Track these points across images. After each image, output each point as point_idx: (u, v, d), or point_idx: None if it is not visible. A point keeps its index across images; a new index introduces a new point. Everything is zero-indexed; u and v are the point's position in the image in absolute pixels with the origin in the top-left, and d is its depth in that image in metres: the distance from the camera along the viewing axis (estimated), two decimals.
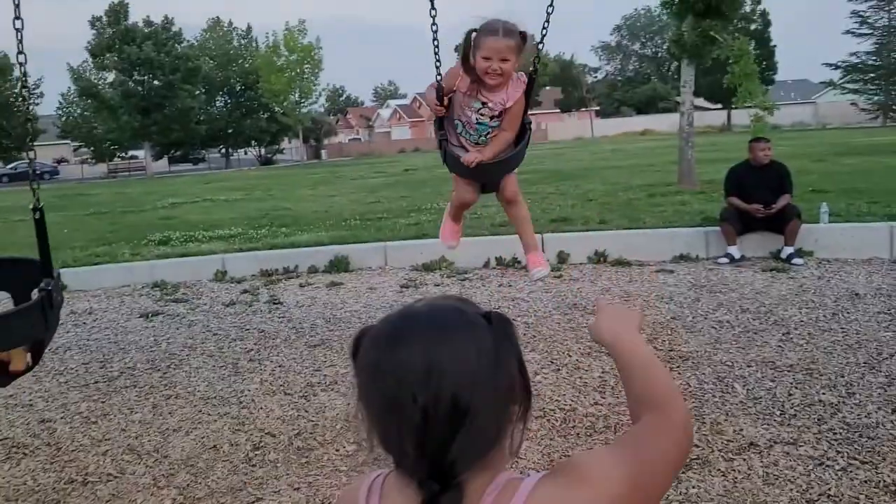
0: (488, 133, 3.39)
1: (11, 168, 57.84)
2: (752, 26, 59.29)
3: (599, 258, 7.86)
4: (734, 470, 3.21)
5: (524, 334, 5.31)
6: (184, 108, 46.60)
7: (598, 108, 75.49)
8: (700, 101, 61.22)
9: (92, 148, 54.74)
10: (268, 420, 3.96)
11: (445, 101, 3.40)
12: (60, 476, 3.44)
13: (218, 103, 57.45)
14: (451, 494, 0.94)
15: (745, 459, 3.30)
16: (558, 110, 70.71)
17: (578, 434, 3.65)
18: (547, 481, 0.98)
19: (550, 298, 6.38)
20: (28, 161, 2.82)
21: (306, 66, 48.99)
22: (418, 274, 7.64)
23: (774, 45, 58.50)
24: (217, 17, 60.46)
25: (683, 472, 3.18)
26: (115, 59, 45.68)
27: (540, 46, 3.43)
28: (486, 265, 7.98)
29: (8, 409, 4.34)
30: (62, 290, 2.77)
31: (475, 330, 0.99)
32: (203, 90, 51.38)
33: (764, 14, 58.82)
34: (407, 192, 15.37)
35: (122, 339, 5.77)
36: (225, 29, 58.77)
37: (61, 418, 4.14)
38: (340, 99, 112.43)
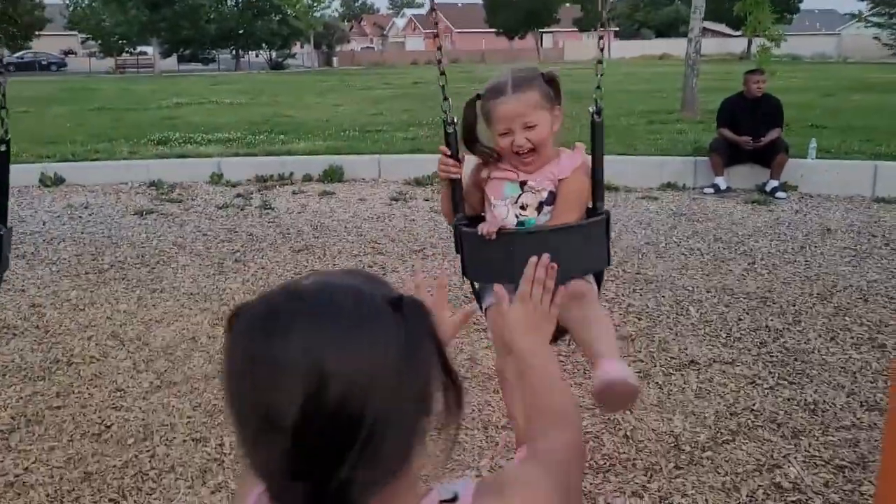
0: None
1: (18, 57, 57.22)
2: None
3: None
4: (670, 384, 3.46)
5: None
6: (194, 5, 45.73)
7: (617, 28, 73.68)
8: (722, 27, 59.78)
9: (100, 41, 53.96)
10: None
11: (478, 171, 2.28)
12: (47, 356, 3.71)
13: (229, 2, 56.22)
14: None
15: (682, 375, 3.54)
16: (576, 29, 69.05)
17: None
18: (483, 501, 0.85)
19: None
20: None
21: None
22: (409, 188, 7.79)
23: None
24: None
25: None
26: None
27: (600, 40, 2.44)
28: None
29: (2, 293, 4.60)
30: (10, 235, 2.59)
31: (378, 319, 0.77)
32: None
33: None
34: (410, 106, 15.33)
35: (115, 234, 5.99)
36: None
37: (51, 304, 4.40)
38: (356, 4, 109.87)
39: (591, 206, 2.27)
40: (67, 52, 63.68)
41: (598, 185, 2.24)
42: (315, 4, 49.90)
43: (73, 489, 2.72)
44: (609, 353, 2.01)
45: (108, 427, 3.12)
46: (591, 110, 2.28)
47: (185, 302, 4.43)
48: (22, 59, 56.83)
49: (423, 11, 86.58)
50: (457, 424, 0.84)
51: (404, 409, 0.76)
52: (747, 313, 4.30)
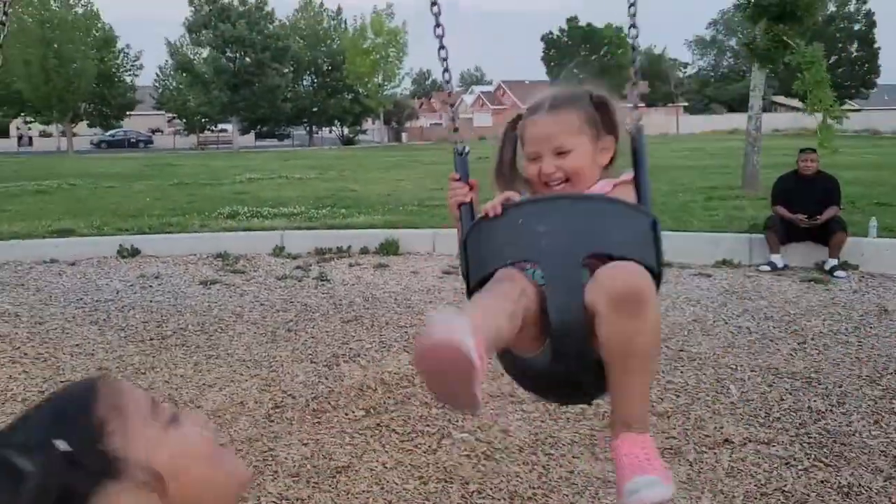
0: None
1: (110, 135, 60.92)
2: (856, 27, 57.00)
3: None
4: (702, 461, 3.45)
5: None
6: (271, 86, 48.14)
7: (686, 104, 73.86)
8: (796, 102, 59.39)
9: (184, 120, 57.07)
10: (291, 383, 4.40)
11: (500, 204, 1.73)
12: None
13: (305, 82, 58.91)
14: None
15: (715, 453, 3.53)
16: (643, 105, 69.46)
17: (568, 419, 3.93)
18: None
19: None
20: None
21: (391, 49, 49.72)
22: None
23: (878, 47, 56.02)
24: None
25: None
26: (210, 35, 47.48)
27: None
28: None
29: (73, 356, 4.93)
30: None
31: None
32: (291, 69, 52.80)
33: (869, 14, 56.38)
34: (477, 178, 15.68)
35: (181, 302, 6.33)
36: (316, 10, 60.11)
37: (116, 368, 4.69)
38: (426, 82, 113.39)
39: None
40: (155, 131, 67.44)
41: (644, 196, 1.82)
42: (385, 84, 51.70)
43: None
44: (639, 424, 1.55)
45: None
46: (628, 129, 1.88)
47: (237, 368, 4.66)
48: (114, 136, 60.51)
49: (490, 88, 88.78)
50: None
51: None
52: (790, 393, 4.26)
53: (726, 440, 3.66)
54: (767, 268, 7.50)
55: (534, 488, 3.26)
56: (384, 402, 4.13)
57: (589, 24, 61.02)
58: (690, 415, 3.97)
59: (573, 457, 3.53)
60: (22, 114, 51.16)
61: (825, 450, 3.53)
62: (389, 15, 50.41)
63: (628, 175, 1.85)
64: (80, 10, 47.08)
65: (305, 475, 3.36)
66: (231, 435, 3.75)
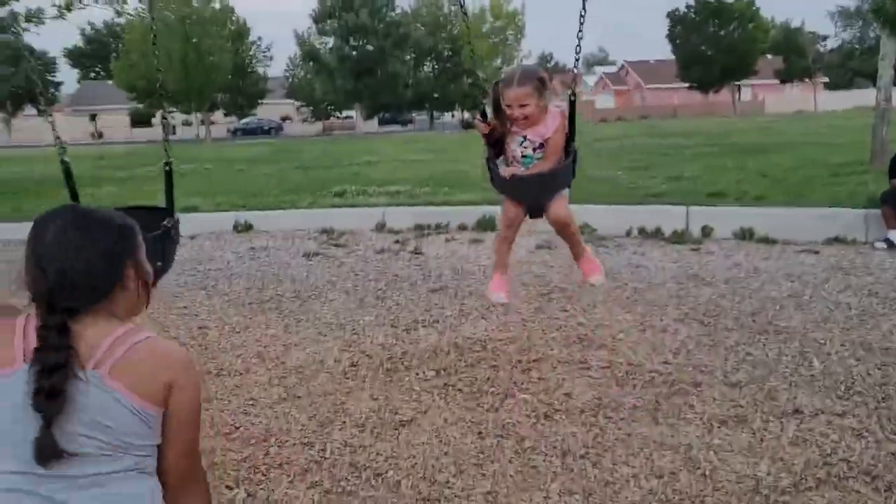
0: (533, 165, 3.60)
1: (244, 123, 64.20)
2: None
3: (745, 235, 7.75)
4: (766, 430, 3.38)
5: (628, 298, 5.56)
6: (393, 73, 49.16)
7: (825, 79, 69.31)
8: None
9: (311, 107, 59.36)
10: (370, 345, 4.62)
11: (494, 123, 3.62)
12: (203, 368, 4.31)
13: (425, 69, 59.77)
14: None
15: (781, 423, 3.45)
16: (777, 81, 65.84)
17: (634, 385, 3.94)
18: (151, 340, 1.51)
19: (674, 269, 6.50)
20: (163, 124, 3.44)
21: (510, 32, 49.57)
22: (558, 237, 7.96)
23: None
24: None
25: (717, 426, 3.42)
26: (335, 25, 49.00)
27: (574, 70, 3.59)
28: (628, 234, 8.13)
29: (179, 317, 5.38)
30: (178, 230, 3.48)
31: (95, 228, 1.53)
32: (412, 55, 53.73)
33: None
34: (582, 159, 15.52)
35: (282, 272, 6.72)
36: None
37: (215, 327, 5.08)
38: (549, 65, 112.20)
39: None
40: (285, 118, 70.47)
41: (571, 134, 3.60)
42: (504, 67, 51.61)
43: None
44: (578, 254, 3.98)
45: (237, 428, 3.60)
46: (568, 94, 3.58)
47: (322, 330, 4.94)
48: (247, 125, 63.77)
49: (613, 69, 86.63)
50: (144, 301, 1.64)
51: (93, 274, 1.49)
52: (879, 368, 4.06)
53: (797, 410, 3.56)
54: (883, 244, 7.07)
55: (587, 447, 3.31)
56: (455, 364, 4.27)
57: None
58: (764, 386, 3.87)
59: (633, 420, 3.55)
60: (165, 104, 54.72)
61: None
62: None
63: (560, 116, 3.53)
64: (216, 6, 49.72)
65: (370, 426, 3.56)
66: (308, 388, 4.01)
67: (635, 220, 8.22)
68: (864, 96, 56.21)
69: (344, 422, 3.61)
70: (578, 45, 3.64)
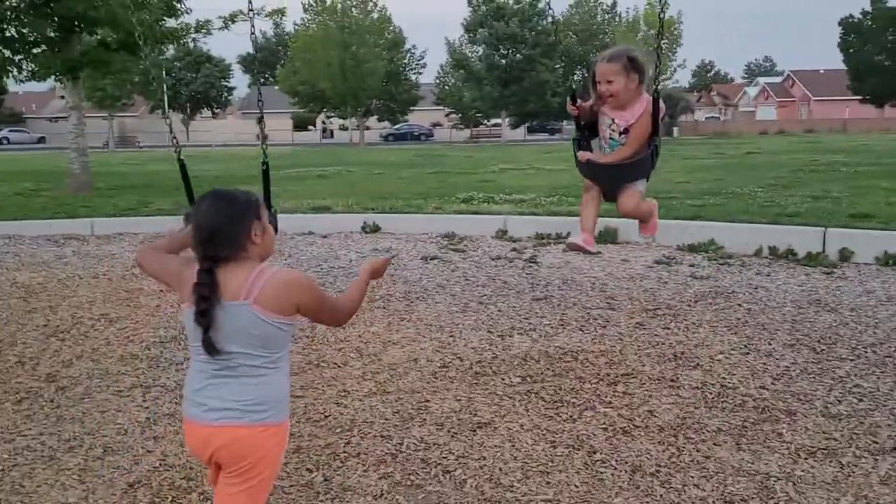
0: (612, 152, 3.51)
1: (396, 129, 66.31)
2: None
3: (888, 260, 7.23)
4: (855, 465, 3.21)
5: (738, 319, 5.37)
6: (540, 81, 49.12)
7: None
8: None
9: (460, 114, 60.39)
10: (464, 348, 4.76)
11: (582, 104, 3.56)
12: (306, 359, 4.61)
13: (576, 76, 59.23)
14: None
15: (875, 460, 3.26)
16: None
17: (723, 408, 3.83)
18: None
19: (798, 291, 6.18)
20: (261, 129, 3.63)
21: (664, 41, 48.16)
22: (680, 253, 7.78)
23: None
24: None
25: (804, 458, 3.28)
26: (486, 34, 49.65)
27: (656, 70, 3.31)
28: (758, 253, 7.79)
29: None
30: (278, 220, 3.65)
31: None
32: (561, 64, 53.45)
33: None
34: (725, 176, 14.94)
35: (398, 273, 6.99)
36: (591, 4, 60.12)
37: None
38: (708, 75, 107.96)
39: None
40: (435, 125, 72.08)
41: (655, 127, 3.33)
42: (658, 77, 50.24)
43: (285, 457, 3.43)
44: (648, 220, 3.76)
45: (326, 417, 3.84)
46: (651, 92, 3.34)
47: (422, 331, 5.13)
48: (399, 130, 65.84)
49: (778, 80, 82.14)
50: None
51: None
52: None
53: (895, 448, 3.35)
54: None
55: (660, 466, 3.28)
56: (542, 373, 4.33)
57: None
58: (866, 420, 3.66)
59: (714, 444, 3.47)
60: (324, 109, 57.51)
61: None
62: (665, 5, 48.83)
63: (646, 102, 3.31)
64: (375, 16, 51.76)
65: (448, 425, 3.69)
66: (398, 385, 4.20)
67: (767, 240, 7.86)
68: None
69: (424, 419, 3.76)
70: (660, 33, 3.68)
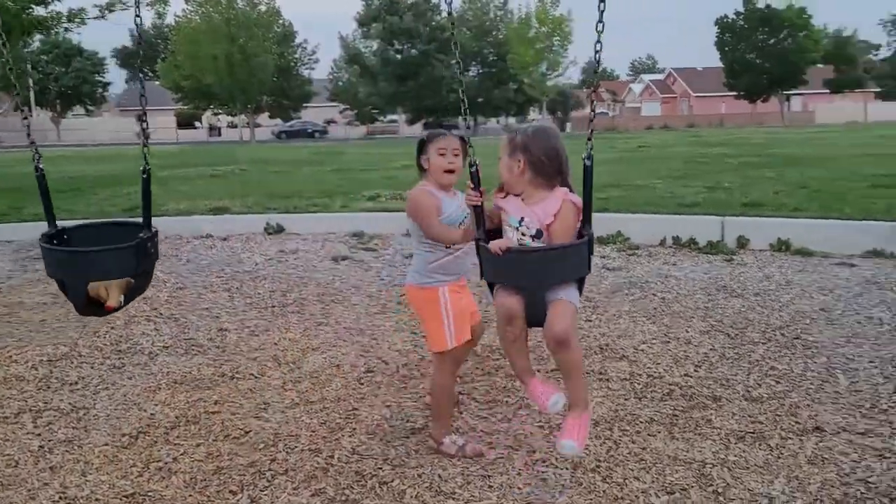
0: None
1: (288, 126, 65.02)
2: None
3: (781, 246, 7.56)
4: (784, 447, 3.28)
5: (655, 308, 5.46)
6: (436, 77, 49.32)
7: (877, 89, 67.57)
8: None
9: (355, 111, 59.84)
10: (388, 351, 4.61)
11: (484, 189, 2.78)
12: (218, 371, 4.34)
13: (470, 73, 59.79)
14: None
15: (801, 440, 3.34)
16: (828, 91, 64.37)
17: (653, 398, 3.85)
18: None
19: (705, 279, 6.36)
20: (142, 129, 3.16)
21: (556, 38, 49.34)
22: None
23: None
24: None
25: (734, 442, 3.33)
26: (380, 28, 49.38)
27: (595, 70, 2.90)
28: (662, 243, 7.99)
29: (200, 318, 5.43)
30: (157, 245, 3.05)
31: None
32: (457, 60, 53.85)
33: None
34: (620, 168, 15.35)
35: (308, 275, 6.76)
36: (483, 1, 60.81)
37: (235, 329, 5.12)
38: (596, 72, 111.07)
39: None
40: (329, 122, 71.14)
41: (586, 216, 2.66)
42: (549, 73, 51.44)
43: (205, 479, 3.19)
44: (575, 404, 2.77)
45: (247, 433, 3.60)
46: (582, 157, 2.62)
47: (341, 335, 4.95)
48: (292, 127, 64.57)
49: (661, 76, 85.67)
50: None
51: None
52: None
53: (818, 428, 3.45)
54: None
55: (599, 461, 3.24)
56: (471, 372, 4.24)
57: (768, 6, 57.21)
58: (786, 401, 3.76)
59: (649, 434, 3.47)
60: (211, 106, 55.68)
61: None
62: (554, 3, 50.00)
63: (560, 196, 2.67)
64: (263, 8, 50.50)
65: (380, 433, 3.54)
66: (322, 393, 4.00)
67: (670, 230, 8.07)
68: None
69: (354, 428, 3.60)
70: (598, 42, 2.69)
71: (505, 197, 2.78)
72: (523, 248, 2.65)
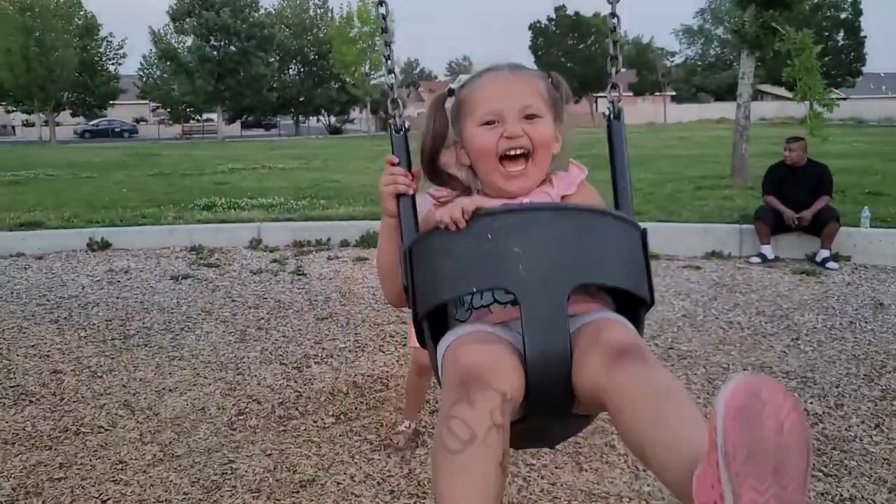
0: None
1: (93, 125, 60.20)
2: (842, 15, 56.91)
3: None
4: None
5: None
6: (256, 75, 47.64)
7: (673, 93, 73.72)
8: (782, 91, 59.22)
9: (169, 109, 56.44)
10: (258, 387, 4.14)
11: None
12: (57, 425, 3.68)
13: (291, 71, 58.34)
14: None
15: None
16: (631, 94, 69.32)
17: None
18: None
19: None
20: None
21: (377, 38, 49.22)
22: None
23: (865, 36, 56.13)
24: None
25: (642, 470, 3.23)
26: (194, 23, 46.87)
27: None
28: None
29: (27, 358, 4.64)
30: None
31: None
32: (277, 58, 52.34)
33: (855, 2, 56.34)
34: None
35: (149, 299, 6.05)
36: None
37: (72, 370, 4.41)
38: (414, 72, 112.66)
39: None
40: (139, 120, 66.71)
41: (623, 197, 1.69)
42: (372, 73, 51.25)
43: None
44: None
45: (105, 502, 3.04)
46: (606, 112, 1.81)
47: (200, 370, 4.39)
48: (97, 126, 59.83)
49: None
50: None
51: None
52: None
53: None
54: (757, 259, 7.30)
55: (512, 501, 3.02)
56: (356, 408, 3.88)
57: (577, 13, 60.63)
58: None
59: (556, 467, 3.29)
60: (3, 103, 50.38)
61: (824, 457, 3.30)
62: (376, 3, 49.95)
63: (577, 168, 1.74)
64: None
65: (266, 490, 3.10)
66: (189, 445, 3.48)
67: None
68: (707, 110, 60.39)
69: (234, 486, 3.13)
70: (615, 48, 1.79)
71: None
72: (516, 205, 1.85)
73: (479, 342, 1.40)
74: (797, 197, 7.34)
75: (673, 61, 78.62)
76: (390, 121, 1.72)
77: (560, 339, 1.35)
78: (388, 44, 1.81)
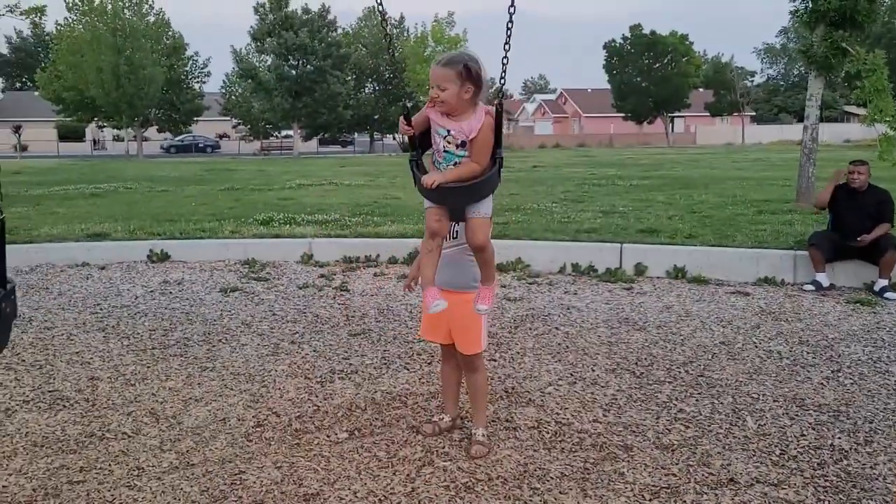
0: (455, 162, 3.20)
1: (179, 140, 62.71)
2: None
3: (677, 273, 7.65)
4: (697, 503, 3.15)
5: (559, 344, 5.32)
6: (332, 93, 48.72)
7: (752, 113, 71.82)
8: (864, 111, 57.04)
9: (249, 126, 58.32)
10: (280, 400, 4.24)
11: (416, 122, 3.29)
12: (85, 430, 3.86)
13: (367, 89, 59.47)
14: None
15: (716, 494, 3.21)
16: (708, 114, 67.90)
17: (563, 449, 3.66)
18: None
19: (607, 310, 6.31)
20: None
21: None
22: None
23: None
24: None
25: (649, 498, 3.17)
26: (274, 43, 48.37)
27: (500, 82, 3.13)
28: (562, 270, 7.95)
29: (69, 364, 4.88)
30: (14, 302, 2.75)
31: None
32: (353, 76, 53.43)
33: None
34: (519, 191, 15.42)
35: (195, 310, 6.27)
36: (379, 19, 60.72)
37: (108, 377, 4.61)
38: (490, 91, 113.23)
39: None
40: (222, 136, 69.13)
41: (498, 139, 3.17)
42: None
43: None
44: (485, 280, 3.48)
45: None
46: (495, 104, 3.18)
47: (228, 382, 4.53)
48: (182, 141, 62.31)
49: (552, 97, 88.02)
50: None
51: None
52: (813, 428, 3.89)
53: (731, 479, 3.34)
54: (811, 287, 7.04)
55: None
56: (370, 424, 3.93)
57: (653, 32, 59.89)
58: (697, 449, 3.65)
59: (560, 492, 3.26)
60: (95, 119, 52.97)
61: (841, 496, 3.18)
62: (450, 23, 50.52)
63: (483, 112, 3.12)
64: (151, 19, 48.53)
65: (270, 502, 3.18)
66: (205, 454, 3.60)
67: (570, 257, 8.04)
68: (789, 131, 58.56)
69: (240, 497, 3.22)
70: (505, 57, 3.14)
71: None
72: (447, 185, 3.13)
73: (434, 216, 3.28)
74: (856, 222, 7.07)
75: (753, 81, 76.69)
76: (403, 102, 3.37)
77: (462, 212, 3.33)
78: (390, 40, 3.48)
